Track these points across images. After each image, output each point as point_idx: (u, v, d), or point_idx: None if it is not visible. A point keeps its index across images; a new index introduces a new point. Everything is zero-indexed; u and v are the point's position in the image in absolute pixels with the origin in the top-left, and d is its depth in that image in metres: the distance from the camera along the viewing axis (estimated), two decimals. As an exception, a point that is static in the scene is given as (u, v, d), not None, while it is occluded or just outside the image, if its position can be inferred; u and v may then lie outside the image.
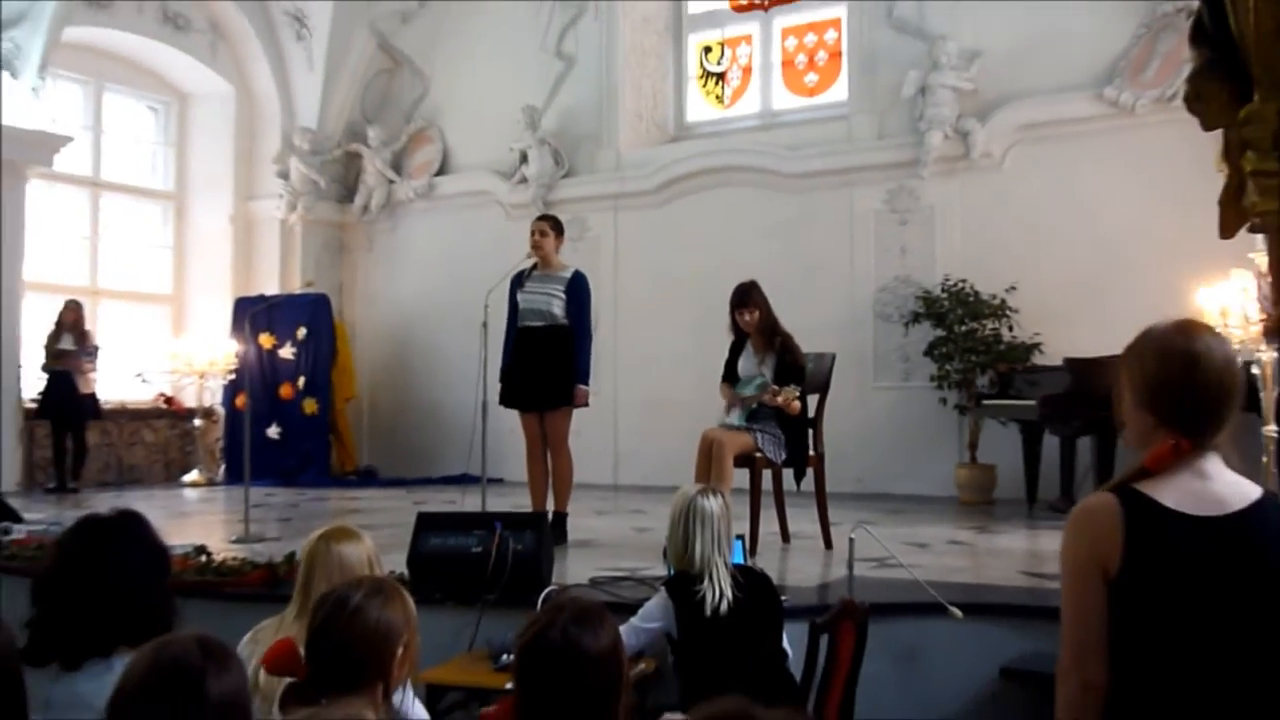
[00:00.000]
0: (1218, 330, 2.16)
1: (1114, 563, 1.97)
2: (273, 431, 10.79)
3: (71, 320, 9.74)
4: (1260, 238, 2.58)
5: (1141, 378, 2.07)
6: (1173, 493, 1.99)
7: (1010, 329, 8.44)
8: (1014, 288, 8.45)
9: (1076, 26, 8.60)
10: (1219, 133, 2.32)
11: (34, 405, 9.75)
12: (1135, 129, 8.36)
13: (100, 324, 10.96)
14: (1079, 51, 8.62)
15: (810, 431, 6.05)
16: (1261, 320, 5.69)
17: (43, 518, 6.93)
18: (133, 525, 2.84)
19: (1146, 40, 8.38)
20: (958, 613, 4.09)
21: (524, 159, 10.97)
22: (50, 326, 9.74)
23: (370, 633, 2.11)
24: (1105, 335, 7.41)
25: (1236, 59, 2.16)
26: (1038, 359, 8.24)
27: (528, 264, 6.42)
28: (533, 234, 6.41)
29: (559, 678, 1.94)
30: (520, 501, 6.46)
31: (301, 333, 11.04)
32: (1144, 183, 8.25)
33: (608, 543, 6.34)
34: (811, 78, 10.47)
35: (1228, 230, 2.40)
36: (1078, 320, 8.17)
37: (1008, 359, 8.23)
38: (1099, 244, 8.39)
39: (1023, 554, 5.97)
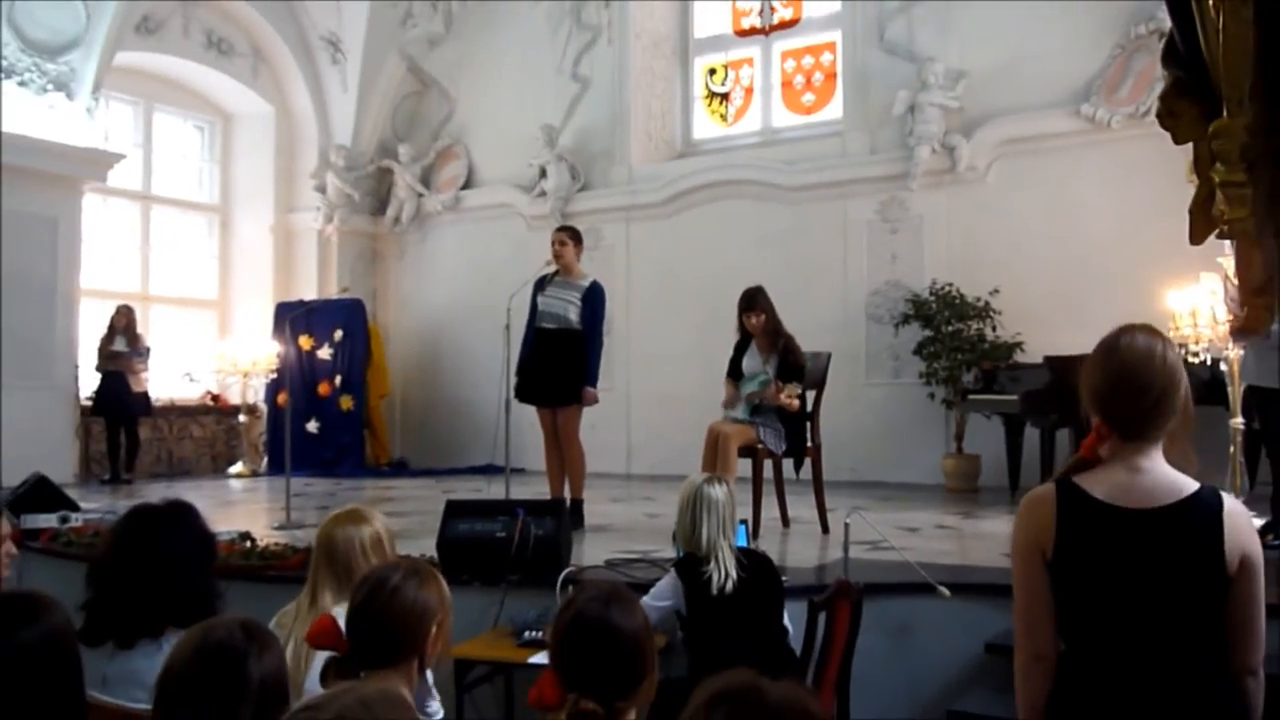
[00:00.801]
0: (1164, 332, 2.14)
1: (1049, 547, 2.01)
2: (312, 426, 10.82)
3: (123, 324, 9.75)
4: (1228, 244, 2.58)
5: (1082, 377, 2.09)
6: (1104, 485, 2.01)
7: (993, 329, 8.43)
8: (997, 291, 8.43)
9: (1055, 48, 8.58)
10: (1189, 146, 2.32)
11: (89, 403, 9.77)
12: (1110, 143, 8.33)
13: (151, 328, 10.99)
14: (1057, 71, 8.60)
15: (808, 425, 6.07)
16: (1229, 321, 5.67)
17: (98, 507, 6.92)
18: (182, 514, 2.85)
19: (1120, 60, 8.36)
20: (946, 592, 4.09)
21: (543, 174, 10.98)
22: (103, 330, 9.75)
23: (407, 611, 2.12)
24: (1082, 335, 7.35)
25: (1206, 78, 2.16)
26: (1019, 357, 8.23)
27: (550, 270, 6.44)
28: (553, 244, 6.42)
29: (596, 652, 1.96)
30: (540, 489, 6.47)
31: (338, 335, 11.07)
32: (1118, 193, 8.24)
33: (622, 527, 6.35)
34: (809, 97, 10.47)
35: (1198, 237, 2.40)
36: (1056, 321, 8.15)
37: (991, 357, 8.22)
38: (1076, 250, 8.37)
39: (1006, 537, 5.86)
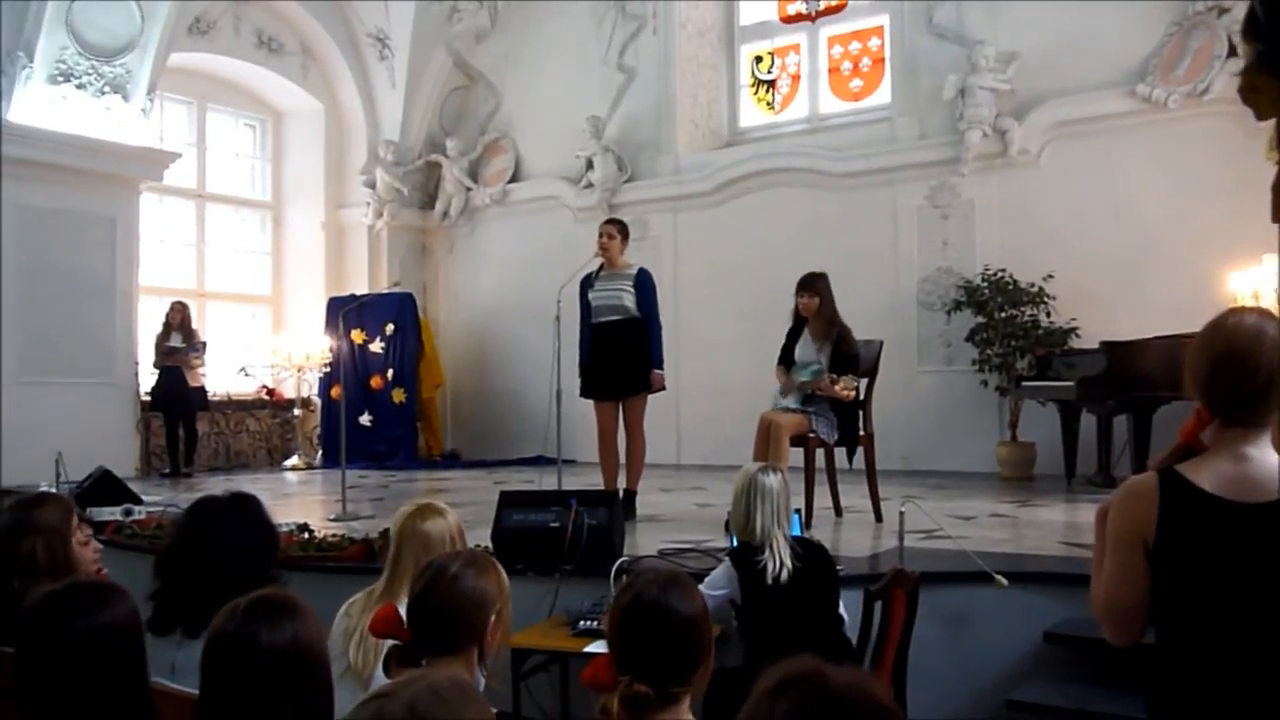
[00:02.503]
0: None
1: (1151, 537, 1.95)
2: (365, 419, 10.94)
3: (178, 319, 9.89)
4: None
5: (1187, 358, 2.01)
6: (1210, 476, 1.92)
7: (1048, 315, 8.31)
8: (1051, 276, 8.31)
9: (1109, 27, 8.43)
10: (1264, 125, 2.26)
11: (149, 398, 9.94)
12: (1167, 124, 8.18)
13: (207, 323, 11.18)
14: (1111, 51, 8.45)
15: (861, 413, 6.03)
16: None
17: (159, 500, 7.06)
18: (245, 505, 2.90)
19: (1178, 38, 8.19)
20: (1003, 580, 4.06)
21: (590, 165, 11.01)
22: (160, 327, 9.91)
23: (466, 600, 2.14)
24: (1140, 320, 7.37)
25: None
26: (1074, 343, 8.10)
27: (594, 265, 6.46)
28: (600, 236, 6.44)
29: (653, 635, 1.97)
30: (591, 480, 6.49)
31: (389, 329, 11.17)
32: (1176, 175, 8.09)
33: (673, 517, 6.36)
34: (856, 83, 10.38)
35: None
36: (1113, 306, 8.04)
37: (1046, 343, 8.11)
38: (1133, 233, 8.24)
39: (1062, 526, 5.88)
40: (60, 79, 8.94)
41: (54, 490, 5.90)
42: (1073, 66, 8.61)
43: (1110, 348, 7.08)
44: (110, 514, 6.25)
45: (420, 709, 1.14)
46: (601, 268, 6.41)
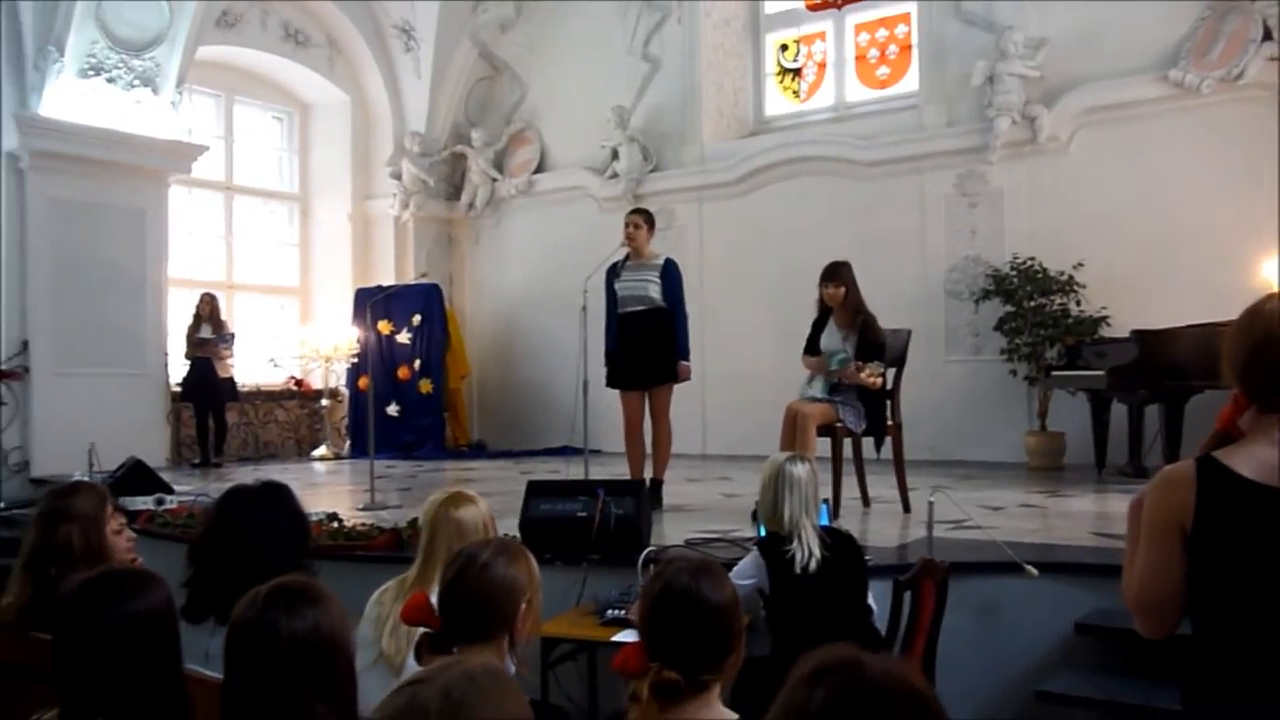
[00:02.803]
0: None
1: (1189, 525, 1.93)
2: (392, 410, 10.99)
3: (207, 311, 9.98)
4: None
5: (1224, 345, 1.99)
6: (1250, 462, 1.89)
7: (1078, 304, 8.24)
8: (1081, 264, 8.24)
9: (1140, 11, 8.32)
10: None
11: (179, 389, 10.04)
12: (1200, 109, 8.08)
13: (235, 315, 11.26)
14: (1143, 35, 8.35)
15: (888, 403, 6.00)
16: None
17: (190, 489, 7.14)
18: (277, 494, 2.92)
19: (1211, 22, 8.08)
20: (1033, 571, 4.03)
21: (615, 155, 11.00)
22: (189, 318, 10.00)
23: (496, 588, 2.15)
24: (1171, 308, 7.30)
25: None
26: (1105, 332, 8.03)
27: (620, 255, 6.45)
28: (626, 226, 6.44)
29: (683, 623, 1.97)
30: (617, 470, 6.51)
31: (416, 319, 11.21)
32: (1209, 161, 7.99)
33: (699, 507, 6.36)
34: (883, 70, 10.31)
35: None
36: (1144, 294, 7.96)
37: (1075, 332, 8.04)
38: (1165, 221, 8.15)
39: (1093, 516, 5.84)
40: (91, 73, 9.01)
41: (88, 480, 5.98)
42: (1103, 52, 8.52)
43: (1142, 336, 7.01)
44: (143, 503, 6.32)
45: (455, 695, 1.14)
46: (628, 257, 6.41)
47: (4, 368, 8.66)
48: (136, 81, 9.33)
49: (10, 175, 8.83)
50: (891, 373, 6.09)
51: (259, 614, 1.74)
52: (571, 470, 6.71)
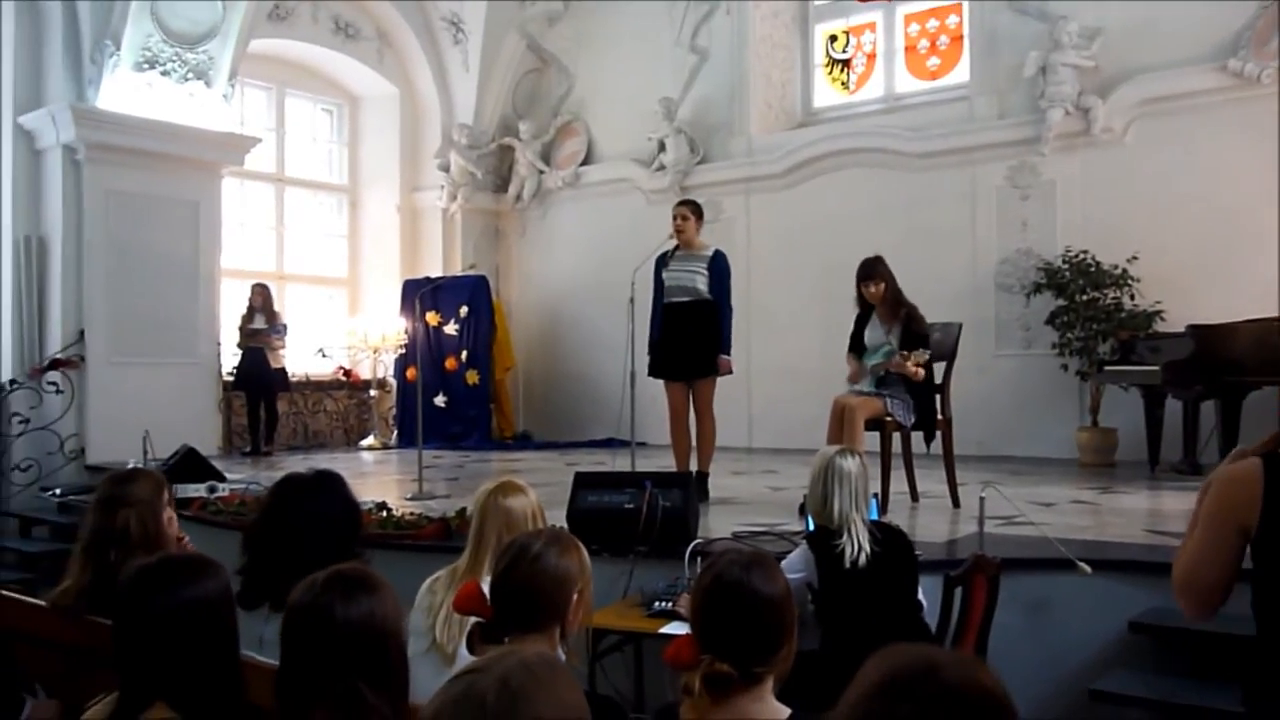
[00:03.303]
0: None
1: (1254, 523, 1.89)
2: (439, 400, 11.07)
3: (260, 301, 10.09)
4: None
5: None
6: None
7: (1132, 298, 8.10)
8: (1135, 258, 8.09)
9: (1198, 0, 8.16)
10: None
11: (230, 378, 10.18)
12: (1260, 100, 7.88)
13: (286, 305, 11.39)
14: (1201, 25, 8.17)
15: (938, 397, 5.95)
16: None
17: (241, 478, 7.24)
18: (329, 483, 2.95)
19: (1272, 10, 7.88)
20: (1086, 568, 3.98)
21: (662, 148, 10.97)
22: (243, 308, 10.12)
23: (549, 578, 2.15)
24: (1228, 303, 7.16)
25: None
26: (1159, 326, 7.89)
27: (670, 245, 6.44)
28: (675, 218, 6.42)
29: (735, 615, 1.96)
30: (662, 462, 6.50)
31: (463, 311, 11.27)
32: (1268, 153, 7.79)
33: (745, 500, 6.34)
34: (934, 61, 10.19)
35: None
36: (1200, 288, 7.81)
37: (1129, 326, 7.90)
38: (1222, 214, 7.98)
39: (1146, 513, 5.75)
40: (146, 66, 9.14)
41: (141, 467, 6.08)
42: (1160, 41, 8.36)
43: (1198, 331, 6.89)
44: (195, 490, 6.42)
45: (512, 684, 1.14)
46: (678, 248, 6.40)
47: (61, 357, 8.83)
48: (190, 75, 9.45)
49: (67, 167, 8.99)
50: (941, 366, 6.04)
51: (315, 599, 1.76)
52: (618, 462, 6.71)
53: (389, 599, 1.83)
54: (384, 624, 1.80)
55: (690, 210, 6.44)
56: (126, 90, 9.04)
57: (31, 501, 8.39)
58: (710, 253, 6.36)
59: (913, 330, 5.78)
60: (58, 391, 8.77)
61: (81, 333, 8.98)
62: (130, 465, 6.63)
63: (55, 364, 8.78)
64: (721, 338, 6.28)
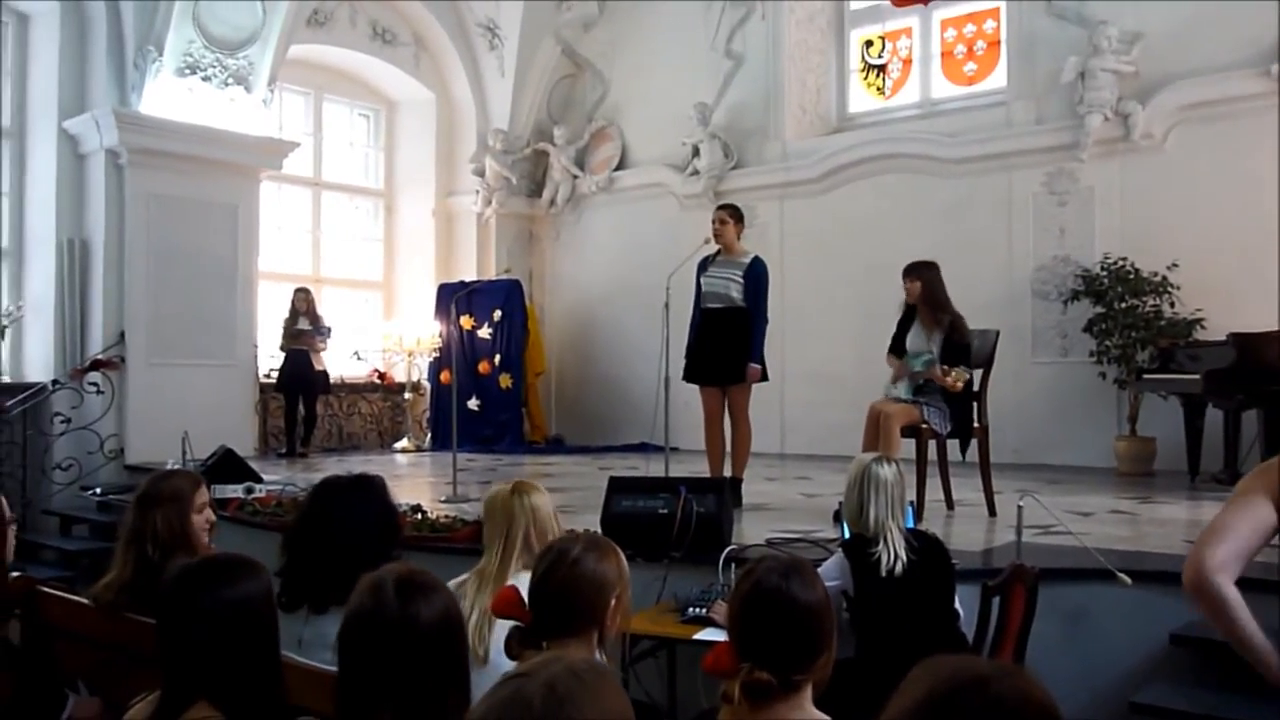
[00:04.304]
0: None
1: None
2: (472, 404, 11.12)
3: (304, 305, 10.17)
4: None
5: None
6: None
7: (1171, 305, 8.01)
8: (1175, 265, 8.00)
9: (1240, 5, 8.03)
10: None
11: (268, 380, 10.25)
12: (1302, 106, 7.78)
13: (322, 308, 11.46)
14: (1243, 29, 8.06)
15: (975, 405, 5.90)
16: None
17: (278, 479, 7.29)
18: (369, 486, 2.97)
19: (1315, 16, 7.78)
20: (1126, 579, 3.92)
21: (696, 153, 10.96)
22: (286, 311, 10.18)
23: (587, 583, 2.15)
24: (1269, 311, 7.04)
25: None
26: (1199, 334, 7.78)
27: (712, 249, 6.43)
28: (714, 222, 6.43)
29: (773, 622, 1.95)
30: (695, 468, 6.49)
31: (497, 315, 11.32)
32: (1312, 159, 7.69)
33: (779, 506, 6.31)
34: (970, 67, 10.13)
35: None
36: (1242, 296, 7.69)
37: (1169, 334, 7.80)
38: (1263, 221, 7.84)
39: (1186, 524, 5.67)
40: (187, 72, 9.25)
41: (181, 467, 6.15)
42: (1201, 47, 8.26)
43: (1240, 339, 6.79)
44: (233, 491, 6.48)
45: (560, 689, 1.14)
46: (719, 252, 6.39)
47: (101, 358, 8.95)
48: (230, 80, 9.55)
49: (110, 171, 9.11)
50: (978, 374, 5.99)
51: (388, 602, 1.75)
52: (651, 467, 6.70)
53: (452, 598, 1.85)
54: (457, 622, 1.82)
55: (729, 214, 6.43)
56: (168, 95, 9.16)
57: (72, 500, 8.51)
58: (749, 260, 6.35)
59: (954, 340, 5.74)
60: (98, 392, 8.88)
61: (122, 334, 9.10)
62: (169, 465, 6.73)
63: (96, 365, 8.90)
64: (751, 346, 6.26)
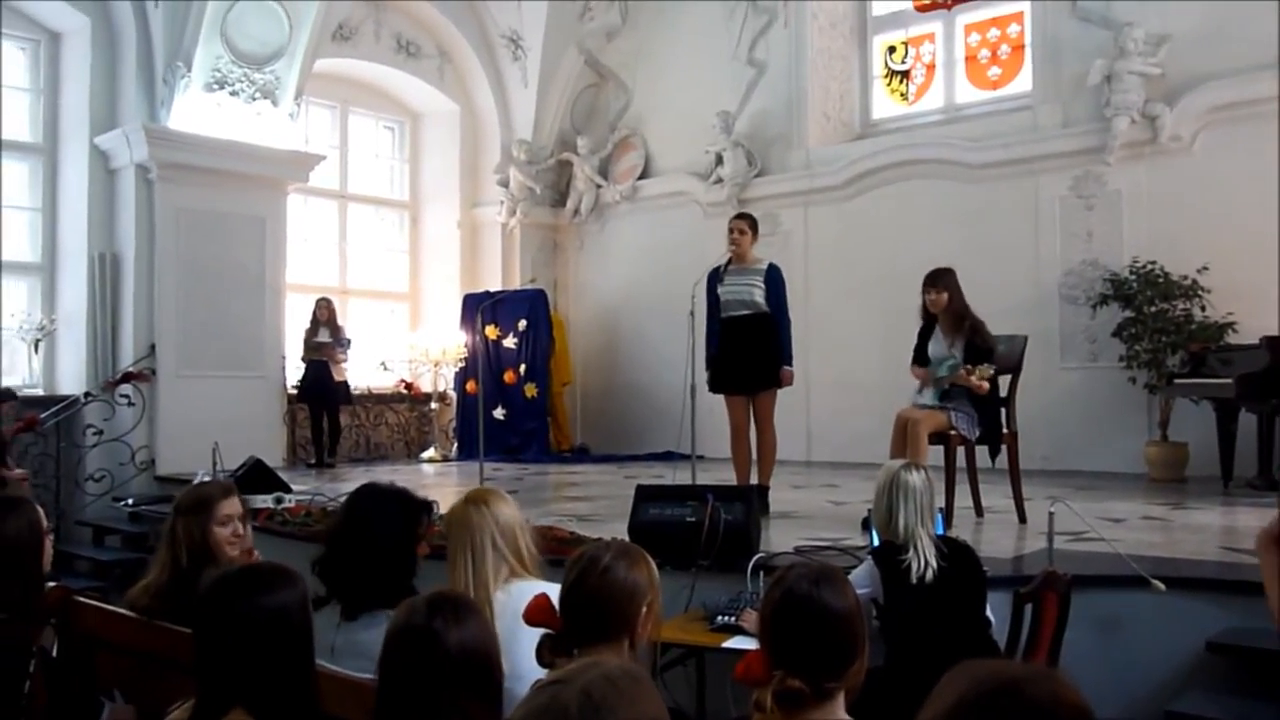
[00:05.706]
0: None
1: None
2: (498, 413, 11.15)
3: (325, 316, 10.22)
4: None
5: None
6: None
7: (1202, 309, 7.93)
8: (1205, 268, 7.92)
9: (1268, 5, 7.96)
10: None
11: (294, 391, 10.33)
12: (1333, 107, 7.70)
13: (348, 319, 11.54)
14: (1271, 30, 7.96)
15: (1004, 410, 5.86)
16: None
17: (307, 489, 7.33)
18: (404, 497, 3.00)
19: (1345, 16, 7.71)
20: (1160, 585, 3.88)
21: (719, 161, 10.97)
22: (307, 323, 10.27)
23: (618, 590, 2.15)
24: (1306, 314, 6.96)
25: None
26: (1231, 338, 7.71)
27: (723, 260, 6.44)
28: (731, 232, 6.43)
29: (805, 630, 1.95)
30: (721, 476, 6.48)
31: (522, 324, 11.35)
32: (1343, 160, 7.61)
33: (806, 514, 6.29)
34: (994, 71, 10.09)
35: None
36: (1272, 300, 7.58)
37: (1200, 338, 7.73)
38: (1296, 223, 7.78)
39: (1220, 530, 5.61)
40: (215, 86, 9.34)
41: (210, 478, 6.20)
42: (1229, 48, 8.18)
43: (1273, 343, 6.73)
44: (263, 501, 6.51)
45: (596, 696, 1.14)
46: (730, 262, 6.39)
47: (133, 370, 9.04)
48: (258, 94, 9.64)
49: (140, 186, 9.21)
50: (1007, 380, 5.95)
51: (425, 623, 1.78)
52: (677, 475, 6.70)
53: (486, 620, 1.87)
54: (490, 644, 1.84)
55: (747, 224, 6.44)
56: (197, 110, 9.25)
57: (104, 511, 8.60)
58: (765, 266, 6.36)
59: (976, 344, 5.70)
60: (129, 404, 8.97)
61: (152, 346, 9.18)
62: (199, 476, 6.79)
63: (127, 377, 9.00)
64: (782, 349, 6.28)
